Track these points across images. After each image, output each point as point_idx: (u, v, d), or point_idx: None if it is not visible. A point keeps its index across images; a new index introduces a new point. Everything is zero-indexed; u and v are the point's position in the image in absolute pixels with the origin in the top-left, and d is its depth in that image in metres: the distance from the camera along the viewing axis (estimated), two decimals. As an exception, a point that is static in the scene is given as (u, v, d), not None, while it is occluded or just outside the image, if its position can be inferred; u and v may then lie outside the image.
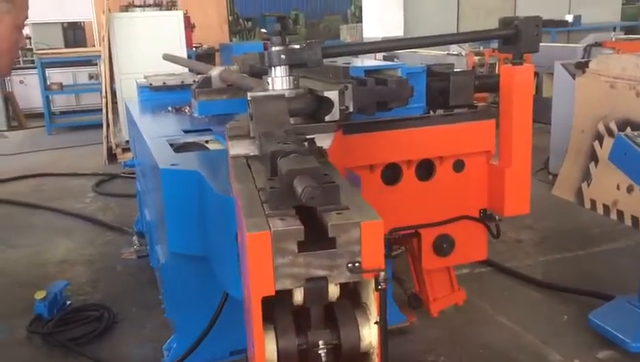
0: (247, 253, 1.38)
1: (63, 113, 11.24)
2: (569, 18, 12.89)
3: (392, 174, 2.86)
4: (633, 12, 13.94)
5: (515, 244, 4.35)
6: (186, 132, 3.55)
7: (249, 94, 2.43)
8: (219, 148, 3.11)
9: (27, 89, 11.54)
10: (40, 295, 3.59)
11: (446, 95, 2.81)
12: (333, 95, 2.06)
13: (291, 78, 2.29)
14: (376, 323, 1.46)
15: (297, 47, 2.30)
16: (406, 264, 3.21)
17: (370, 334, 1.49)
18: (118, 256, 4.52)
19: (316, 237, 1.41)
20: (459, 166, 2.92)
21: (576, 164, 5.45)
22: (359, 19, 17.17)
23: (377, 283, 1.40)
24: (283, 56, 2.25)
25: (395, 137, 2.75)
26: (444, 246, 2.97)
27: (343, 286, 1.48)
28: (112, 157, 7.75)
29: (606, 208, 4.99)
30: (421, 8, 11.74)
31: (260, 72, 3.28)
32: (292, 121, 2.27)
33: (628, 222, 4.73)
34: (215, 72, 3.46)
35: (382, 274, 1.39)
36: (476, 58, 7.18)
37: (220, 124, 3.67)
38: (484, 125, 2.88)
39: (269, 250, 1.37)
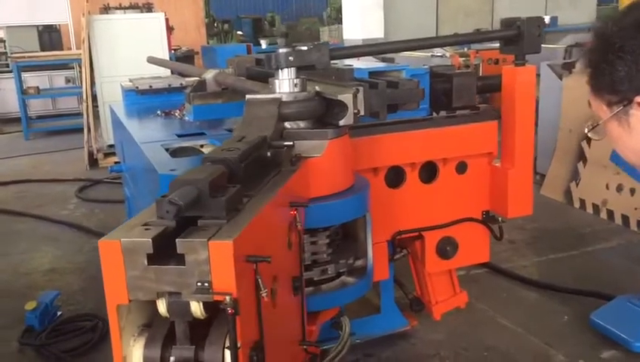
0: (101, 260, 1.40)
1: (39, 118, 11.02)
2: (546, 19, 13.04)
3: (395, 177, 2.83)
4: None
5: (509, 245, 4.34)
6: (179, 136, 3.48)
7: (247, 97, 2.40)
8: (215, 153, 3.05)
9: (2, 93, 11.29)
10: (31, 306, 3.49)
11: (449, 96, 2.79)
12: (347, 98, 2.01)
13: (299, 80, 2.25)
14: (227, 347, 1.42)
15: (305, 48, 2.26)
16: (405, 267, 3.18)
17: None
18: (108, 263, 4.39)
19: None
20: (462, 168, 2.91)
21: (564, 164, 5.50)
22: (335, 21, 17.17)
23: (224, 308, 1.36)
24: (291, 58, 2.20)
25: (399, 140, 2.72)
26: (447, 248, 2.95)
27: None
28: (93, 162, 7.60)
29: (595, 207, 5.04)
30: (400, 10, 11.78)
31: (257, 75, 3.23)
32: (290, 125, 2.23)
33: (618, 221, 4.78)
34: (209, 75, 3.40)
35: (227, 298, 1.34)
36: (461, 59, 7.20)
37: (211, 128, 3.62)
38: (486, 127, 2.86)
39: (120, 259, 1.38)
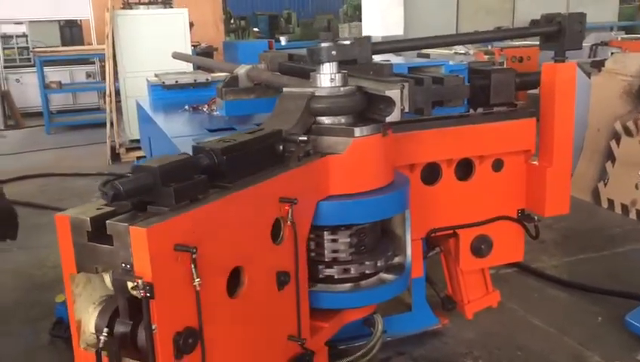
0: (57, 232, 1.58)
1: (60, 112, 11.09)
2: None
3: (430, 174, 2.80)
4: (630, 12, 13.99)
5: (538, 244, 4.28)
6: (210, 131, 3.48)
7: (283, 90, 2.38)
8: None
9: (23, 88, 11.38)
10: (60, 298, 3.48)
11: (487, 92, 2.76)
12: (394, 94, 1.98)
13: (337, 75, 2.23)
14: (145, 329, 1.51)
15: (347, 43, 2.24)
16: (436, 265, 3.15)
17: None
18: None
19: None
20: (498, 165, 2.87)
21: (591, 163, 5.43)
22: (352, 19, 17.11)
23: (134, 291, 1.47)
24: (333, 53, 2.18)
25: (436, 136, 2.70)
26: (482, 247, 2.92)
27: None
28: (115, 156, 7.62)
29: (624, 208, 4.97)
30: (420, 7, 11.69)
31: (289, 70, 3.21)
32: (332, 120, 2.22)
33: (649, 222, 4.71)
34: (242, 70, 3.39)
35: (139, 281, 1.45)
36: (486, 57, 7.14)
37: (241, 123, 3.61)
38: (524, 124, 2.83)
39: (69, 233, 1.55)
